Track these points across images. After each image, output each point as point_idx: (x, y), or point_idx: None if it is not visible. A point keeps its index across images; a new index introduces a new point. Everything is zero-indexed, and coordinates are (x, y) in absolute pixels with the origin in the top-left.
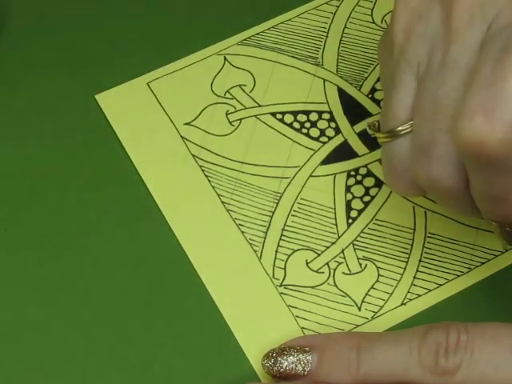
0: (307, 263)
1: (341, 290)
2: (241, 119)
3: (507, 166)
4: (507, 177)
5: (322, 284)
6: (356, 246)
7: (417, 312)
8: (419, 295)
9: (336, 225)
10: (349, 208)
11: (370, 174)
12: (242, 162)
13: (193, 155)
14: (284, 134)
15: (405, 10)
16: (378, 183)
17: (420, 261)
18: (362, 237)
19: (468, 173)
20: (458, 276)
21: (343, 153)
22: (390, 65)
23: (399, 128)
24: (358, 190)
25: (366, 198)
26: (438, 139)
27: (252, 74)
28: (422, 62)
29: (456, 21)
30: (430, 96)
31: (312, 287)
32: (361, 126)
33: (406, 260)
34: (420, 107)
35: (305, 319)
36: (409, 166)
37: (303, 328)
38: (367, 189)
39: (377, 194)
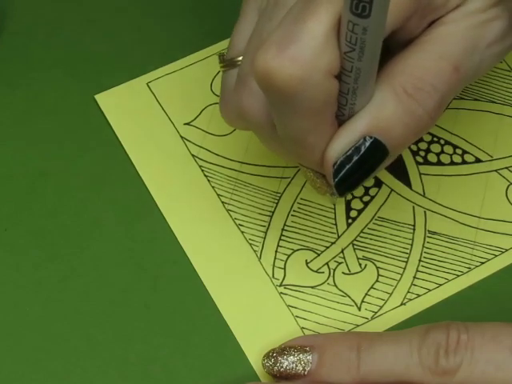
0: (307, 263)
1: (341, 290)
2: None
3: (298, 104)
4: (300, 116)
5: (321, 284)
6: (356, 246)
7: (417, 312)
8: (419, 295)
9: (336, 225)
10: (348, 208)
11: None
12: (242, 162)
13: (192, 155)
14: None
15: None
16: (378, 183)
17: (420, 260)
18: (361, 237)
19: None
20: (458, 276)
21: None
22: None
23: (237, 58)
24: (357, 190)
25: (366, 198)
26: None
27: None
28: None
29: None
30: (259, 31)
31: (312, 287)
32: None
33: (406, 260)
34: (250, 40)
35: (305, 319)
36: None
37: (303, 328)
38: (367, 189)
39: (376, 193)
